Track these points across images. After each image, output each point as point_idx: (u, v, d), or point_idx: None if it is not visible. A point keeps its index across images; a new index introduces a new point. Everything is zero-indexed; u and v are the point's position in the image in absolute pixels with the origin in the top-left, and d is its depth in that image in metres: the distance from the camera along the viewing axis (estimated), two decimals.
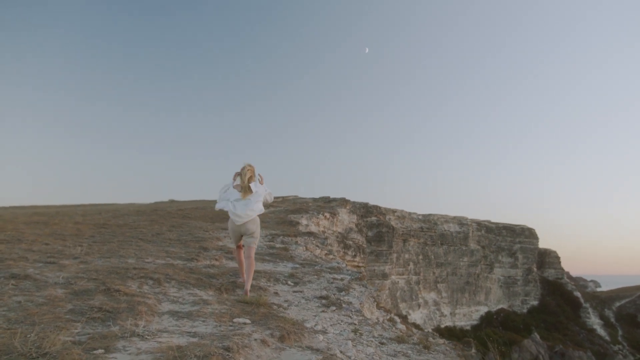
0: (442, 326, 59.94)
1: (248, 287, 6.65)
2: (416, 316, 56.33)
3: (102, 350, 3.43)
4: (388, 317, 8.38)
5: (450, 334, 56.80)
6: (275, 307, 6.18)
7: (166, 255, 9.27)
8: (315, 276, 8.78)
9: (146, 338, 3.89)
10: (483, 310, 67.42)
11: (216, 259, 9.55)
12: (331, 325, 5.77)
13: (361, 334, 5.63)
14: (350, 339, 5.25)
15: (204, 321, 4.76)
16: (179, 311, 5.05)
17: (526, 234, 75.70)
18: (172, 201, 38.92)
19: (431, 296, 61.61)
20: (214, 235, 13.68)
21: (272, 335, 4.51)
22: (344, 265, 11.55)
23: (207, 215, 21.02)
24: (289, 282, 8.04)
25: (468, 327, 63.40)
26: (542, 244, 78.59)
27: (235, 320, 4.95)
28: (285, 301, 6.73)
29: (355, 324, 6.05)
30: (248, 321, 4.98)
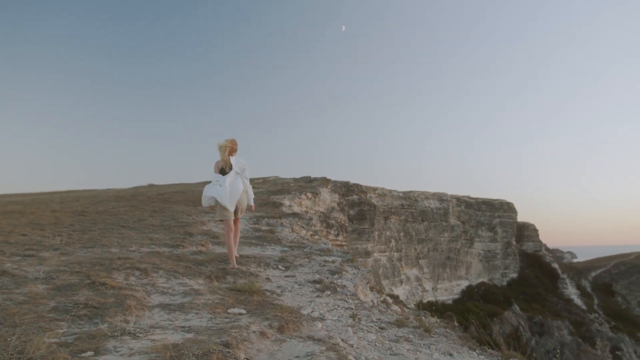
0: (425, 301, 60.65)
1: (235, 253, 7.40)
2: (399, 292, 56.89)
3: (92, 353, 3.16)
4: (382, 299, 8.24)
5: (433, 308, 57.63)
6: (268, 294, 5.95)
7: (150, 242, 8.93)
8: (306, 259, 8.57)
9: (138, 336, 3.62)
10: (464, 284, 68.50)
11: (202, 245, 9.25)
12: (328, 311, 5.57)
13: (360, 319, 5.45)
14: (349, 326, 5.06)
15: (197, 313, 4.50)
16: (170, 303, 4.78)
17: (505, 209, 76.70)
18: (151, 185, 38.18)
19: (413, 272, 62.25)
20: (198, 220, 13.33)
21: (271, 325, 4.29)
22: (332, 246, 11.36)
23: (189, 199, 20.57)
24: (280, 267, 7.80)
25: (450, 302, 64.41)
26: (520, 217, 79.82)
27: (230, 310, 4.71)
28: (278, 287, 6.51)
29: (352, 309, 5.87)
30: (243, 311, 4.75)
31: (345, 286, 6.94)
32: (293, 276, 7.22)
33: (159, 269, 6.24)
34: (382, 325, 5.47)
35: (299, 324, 4.58)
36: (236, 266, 7.22)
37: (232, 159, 7.26)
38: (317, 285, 6.71)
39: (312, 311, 5.44)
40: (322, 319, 5.19)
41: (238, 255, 7.66)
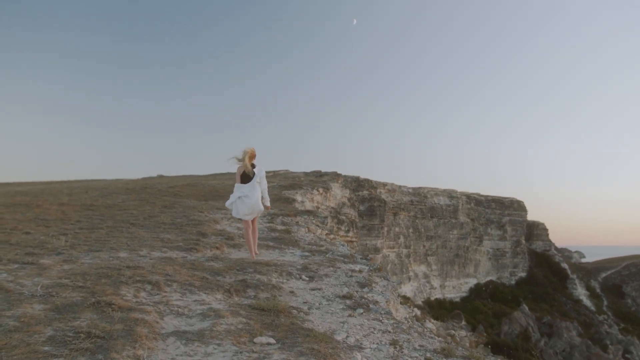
0: (432, 299, 60.17)
1: (255, 249, 8.42)
2: (406, 289, 56.23)
3: None
4: (413, 314, 7.54)
5: (440, 306, 57.02)
6: (295, 312, 5.25)
7: (162, 244, 8.27)
8: (331, 268, 7.85)
9: None
10: (472, 282, 67.84)
11: (217, 247, 8.59)
12: (364, 335, 4.87)
13: (401, 347, 4.74)
14: (392, 357, 4.37)
15: (219, 344, 3.82)
16: (187, 330, 4.08)
17: (515, 207, 75.75)
18: (161, 177, 37.65)
19: (421, 269, 61.57)
20: (210, 217, 12.68)
21: None
22: (353, 251, 10.66)
23: (200, 192, 19.96)
24: (304, 277, 7.09)
25: (457, 299, 63.81)
26: (529, 215, 78.85)
27: (257, 340, 4.02)
28: (305, 303, 5.80)
29: (390, 332, 5.16)
30: (272, 340, 4.06)
31: (377, 302, 6.24)
32: (319, 289, 6.51)
33: (173, 281, 5.54)
34: (428, 355, 4.76)
35: (337, 356, 3.90)
36: (254, 258, 8.14)
37: (254, 169, 8.25)
38: (348, 302, 6.01)
39: (347, 336, 4.75)
40: (360, 347, 4.50)
41: (257, 252, 8.57)
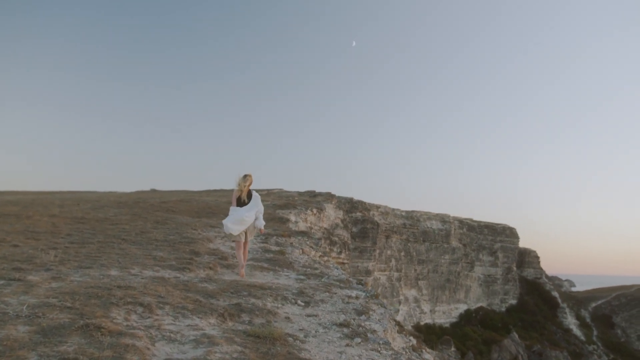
0: (422, 323, 59.66)
1: (243, 270, 8.40)
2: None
3: None
4: (410, 344, 7.33)
5: (430, 331, 56.52)
6: (291, 340, 5.05)
7: (154, 262, 8.05)
8: (327, 293, 7.64)
9: None
10: (462, 308, 67.40)
11: (211, 268, 8.38)
12: None
13: None
14: None
15: None
16: (180, 359, 3.86)
17: (507, 233, 75.82)
18: (154, 191, 37.39)
19: (412, 293, 61.15)
20: (204, 235, 12.47)
21: None
22: (350, 277, 10.48)
23: (193, 209, 19.74)
24: (299, 302, 6.89)
25: (447, 325, 63.31)
26: (521, 242, 78.95)
27: None
28: (301, 330, 5.60)
29: None
30: None
31: (375, 331, 6.04)
32: (315, 315, 6.31)
33: (165, 303, 5.32)
34: None
35: None
36: (244, 276, 8.32)
37: (251, 194, 8.61)
38: (345, 330, 5.81)
39: None
40: None
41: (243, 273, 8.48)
